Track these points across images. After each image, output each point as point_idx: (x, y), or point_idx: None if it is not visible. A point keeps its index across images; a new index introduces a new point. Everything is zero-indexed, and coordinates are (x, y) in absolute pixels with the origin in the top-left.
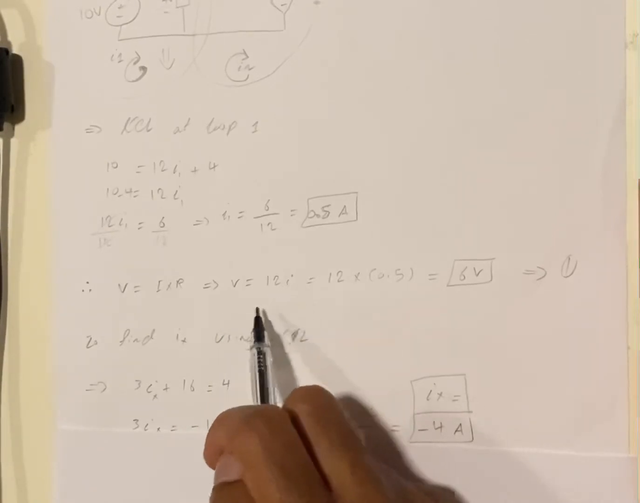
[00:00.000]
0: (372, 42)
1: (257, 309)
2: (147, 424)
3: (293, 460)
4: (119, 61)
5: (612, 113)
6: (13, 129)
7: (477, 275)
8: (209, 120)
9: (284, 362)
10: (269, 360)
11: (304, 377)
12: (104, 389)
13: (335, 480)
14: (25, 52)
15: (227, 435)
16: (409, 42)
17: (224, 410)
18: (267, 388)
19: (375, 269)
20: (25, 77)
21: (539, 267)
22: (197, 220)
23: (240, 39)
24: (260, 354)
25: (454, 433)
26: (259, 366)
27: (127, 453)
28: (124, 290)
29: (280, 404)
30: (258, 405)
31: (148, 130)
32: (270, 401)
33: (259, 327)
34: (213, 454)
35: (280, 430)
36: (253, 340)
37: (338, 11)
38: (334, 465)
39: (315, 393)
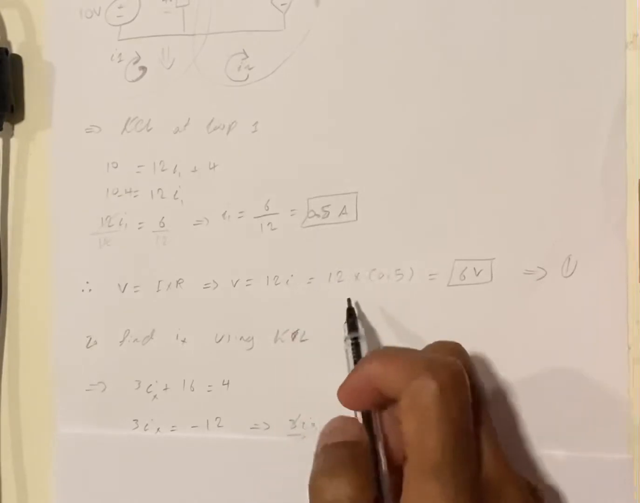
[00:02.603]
0: (372, 42)
1: (349, 300)
2: (147, 424)
3: (464, 423)
4: (119, 61)
5: (612, 113)
6: (13, 128)
7: (477, 275)
8: (209, 120)
9: (284, 361)
10: (365, 349)
11: (304, 377)
12: (104, 389)
13: (487, 462)
14: (25, 52)
15: (399, 373)
16: (409, 42)
17: (225, 409)
18: None
19: (375, 269)
20: (25, 77)
21: (539, 267)
22: (197, 220)
23: (240, 39)
24: (355, 345)
25: None
26: (355, 357)
27: (126, 455)
28: (124, 290)
29: None
30: (437, 352)
31: (148, 130)
32: None
33: (353, 317)
34: (362, 388)
35: (461, 387)
36: (347, 331)
37: (338, 11)
38: (494, 450)
39: (468, 358)
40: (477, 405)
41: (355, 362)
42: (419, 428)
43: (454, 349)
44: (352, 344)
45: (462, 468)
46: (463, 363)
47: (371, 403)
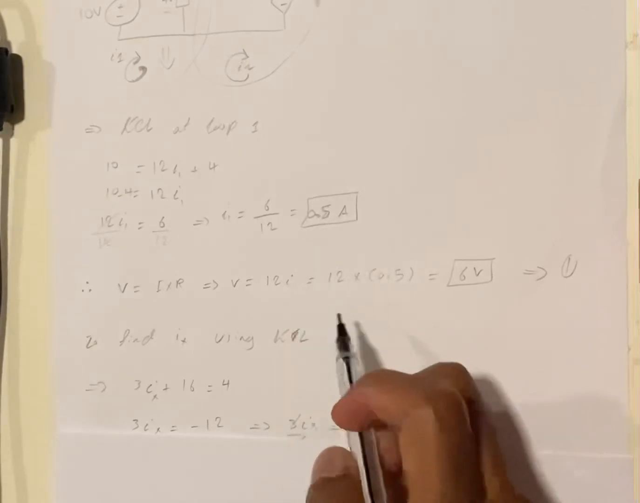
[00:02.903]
0: (372, 42)
1: (339, 316)
2: (146, 424)
3: (465, 454)
4: (119, 61)
5: (612, 113)
6: (13, 128)
7: (477, 275)
8: (209, 120)
9: (284, 361)
10: (357, 369)
11: (304, 377)
12: (104, 389)
13: (491, 489)
14: (25, 52)
15: (395, 401)
16: (409, 42)
17: (225, 409)
18: None
19: (375, 269)
20: (25, 77)
21: (539, 267)
22: (197, 220)
23: (240, 39)
24: (348, 365)
25: None
26: (350, 379)
27: (126, 455)
28: (124, 290)
29: None
30: (435, 380)
31: (148, 130)
32: None
33: (344, 335)
34: (357, 411)
35: (459, 417)
36: (338, 350)
37: (338, 11)
38: (498, 475)
39: (470, 380)
40: (480, 431)
41: (350, 381)
42: (420, 463)
43: (456, 371)
44: (346, 365)
45: (466, 500)
46: (465, 385)
47: (366, 425)
